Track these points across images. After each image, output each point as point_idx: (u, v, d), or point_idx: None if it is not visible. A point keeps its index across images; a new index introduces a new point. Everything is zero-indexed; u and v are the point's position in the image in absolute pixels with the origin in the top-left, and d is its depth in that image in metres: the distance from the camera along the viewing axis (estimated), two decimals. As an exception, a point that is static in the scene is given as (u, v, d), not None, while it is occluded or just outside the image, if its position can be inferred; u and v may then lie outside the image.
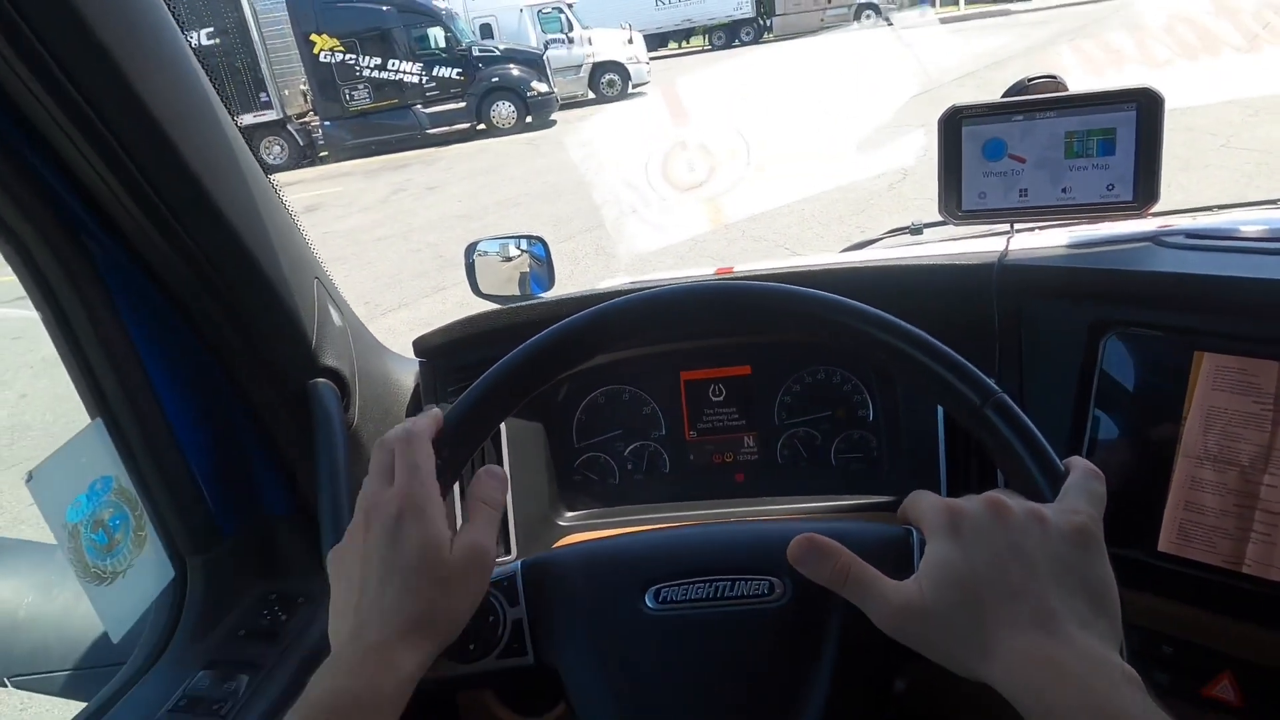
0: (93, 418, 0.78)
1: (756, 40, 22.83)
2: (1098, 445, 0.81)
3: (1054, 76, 1.00)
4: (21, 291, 0.74)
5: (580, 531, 1.01)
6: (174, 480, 0.82)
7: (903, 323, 0.59)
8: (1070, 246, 0.90)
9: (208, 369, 0.84)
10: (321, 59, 13.14)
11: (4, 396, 5.02)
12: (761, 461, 1.04)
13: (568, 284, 1.39)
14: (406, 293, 5.98)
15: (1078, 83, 0.97)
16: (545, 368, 0.62)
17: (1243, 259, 0.80)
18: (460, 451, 0.63)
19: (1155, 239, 0.87)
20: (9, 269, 0.74)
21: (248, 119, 12.39)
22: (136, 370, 0.78)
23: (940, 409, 0.91)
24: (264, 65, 13.01)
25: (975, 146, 0.97)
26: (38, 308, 0.75)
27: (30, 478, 0.69)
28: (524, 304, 1.02)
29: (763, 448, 1.04)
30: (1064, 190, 0.94)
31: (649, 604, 0.59)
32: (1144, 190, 0.90)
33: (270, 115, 13.11)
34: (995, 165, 0.96)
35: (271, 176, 0.83)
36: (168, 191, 0.70)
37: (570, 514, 1.04)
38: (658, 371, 1.05)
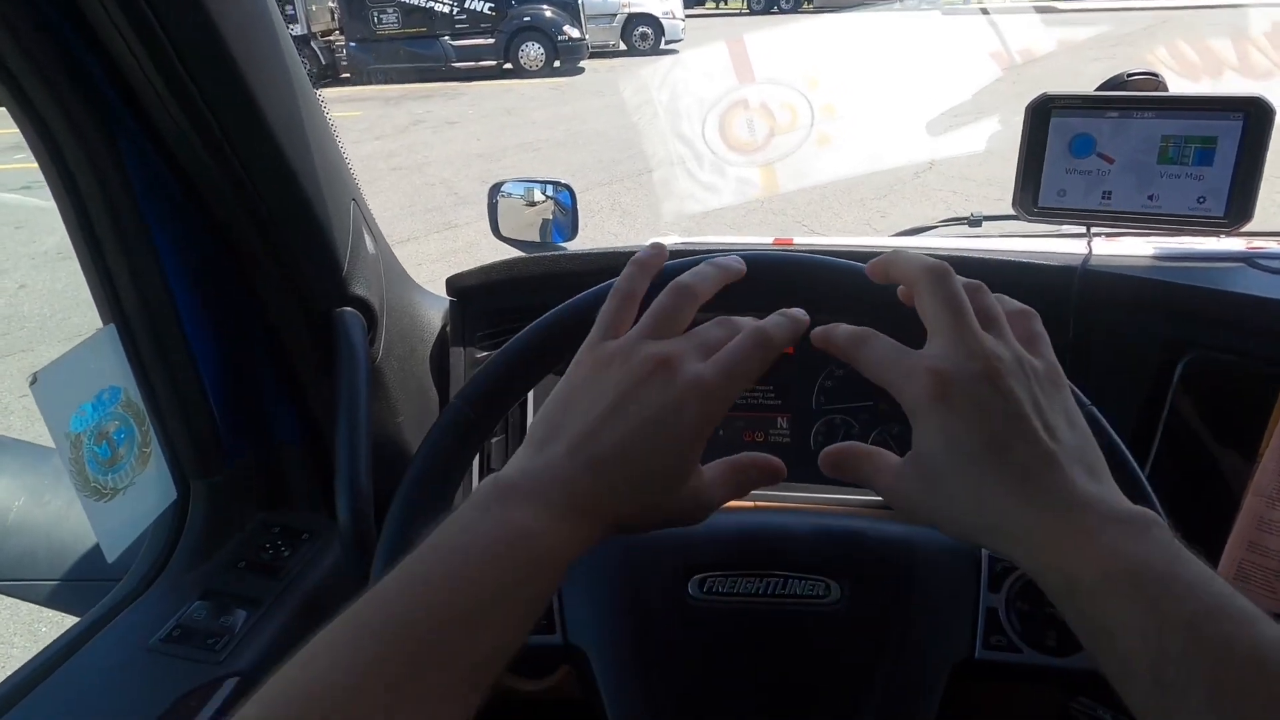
0: (105, 323, 0.73)
1: (796, 9, 22.36)
2: (1161, 469, 0.77)
3: (1155, 74, 0.94)
4: (28, 180, 0.69)
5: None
6: (185, 397, 0.77)
7: None
8: (1155, 259, 0.85)
9: (231, 285, 0.78)
10: (352, -24, 12.84)
11: (3, 284, 4.96)
12: (793, 445, 1.00)
13: (581, 238, 1.33)
14: (416, 226, 5.89)
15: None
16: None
17: None
18: (496, 404, 0.58)
19: (1248, 260, 0.82)
20: (18, 156, 0.68)
21: (271, 30, 12.11)
22: (156, 279, 0.72)
23: None
24: (294, -24, 12.72)
25: (1062, 140, 0.91)
26: (57, 199, 0.69)
27: (34, 380, 0.64)
28: (567, 254, 0.97)
29: (796, 431, 1.00)
30: (1150, 198, 0.89)
31: (692, 592, 0.56)
32: (1237, 207, 0.85)
33: (295, 30, 12.80)
34: (1081, 162, 0.91)
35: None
36: (211, 90, 0.64)
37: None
38: None
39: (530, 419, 0.94)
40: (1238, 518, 0.73)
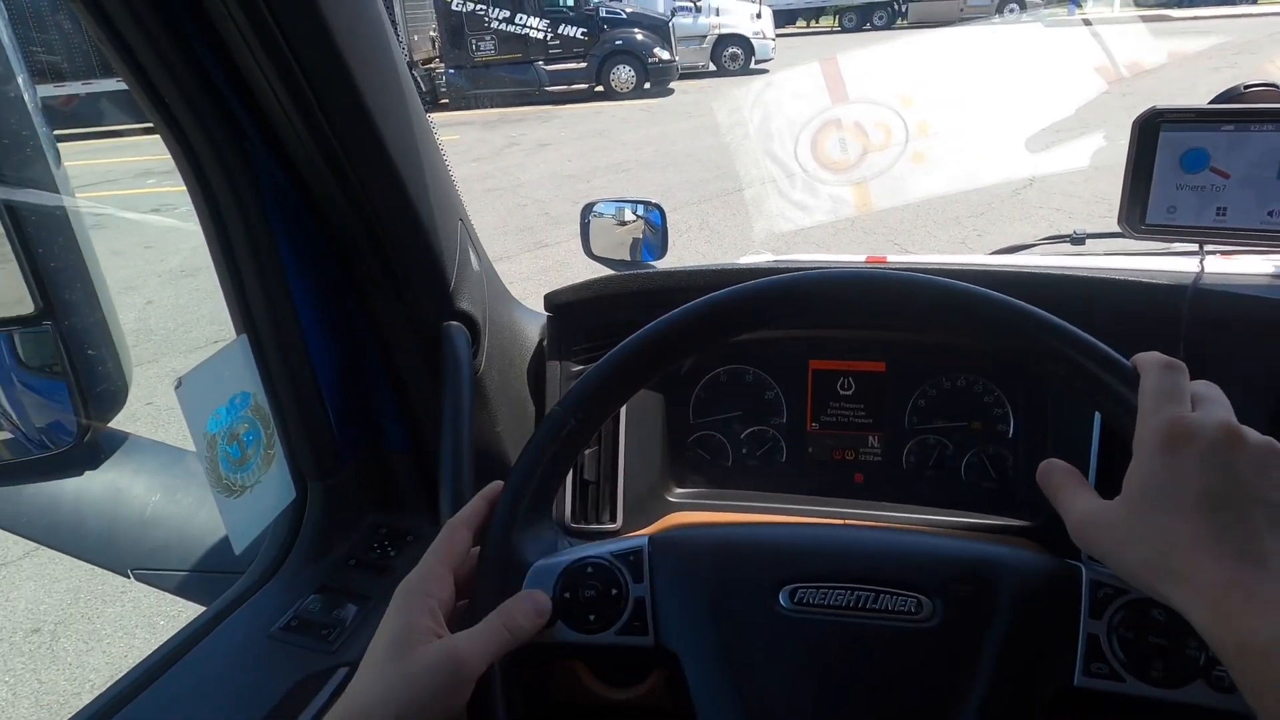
0: (238, 333, 0.79)
1: (889, 26, 22.02)
2: None
3: (1274, 85, 0.90)
4: (157, 203, 0.76)
5: (688, 510, 0.98)
6: (305, 404, 0.83)
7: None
8: (1274, 277, 0.81)
9: (348, 300, 0.84)
10: (453, 7, 13.37)
11: (132, 300, 5.35)
12: (884, 464, 0.99)
13: (669, 257, 1.36)
14: (509, 245, 6.07)
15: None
16: (731, 324, 0.60)
17: None
18: (595, 414, 0.61)
19: (1380, 279, 0.78)
20: (149, 181, 0.75)
21: (377, 60, 12.73)
22: (283, 293, 0.79)
23: (1095, 436, 0.84)
24: (397, 8, 13.32)
25: (1172, 155, 0.88)
26: (200, 217, 0.76)
27: (179, 384, 0.71)
28: (663, 271, 0.99)
29: (887, 450, 0.99)
30: (1270, 214, 0.85)
31: (783, 602, 0.56)
32: (1366, 223, 0.80)
33: (398, 58, 13.42)
34: (1192, 178, 0.87)
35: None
36: (337, 117, 0.70)
37: (679, 490, 1.02)
38: (785, 356, 1.01)
39: (622, 431, 0.96)
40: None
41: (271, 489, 0.82)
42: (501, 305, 0.98)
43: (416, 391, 0.89)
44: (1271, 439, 0.48)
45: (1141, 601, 0.52)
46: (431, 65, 14.49)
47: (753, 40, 15.54)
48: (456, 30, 13.55)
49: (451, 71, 13.90)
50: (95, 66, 10.85)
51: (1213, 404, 0.51)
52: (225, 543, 0.86)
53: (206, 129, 0.70)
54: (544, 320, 1.03)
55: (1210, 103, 0.88)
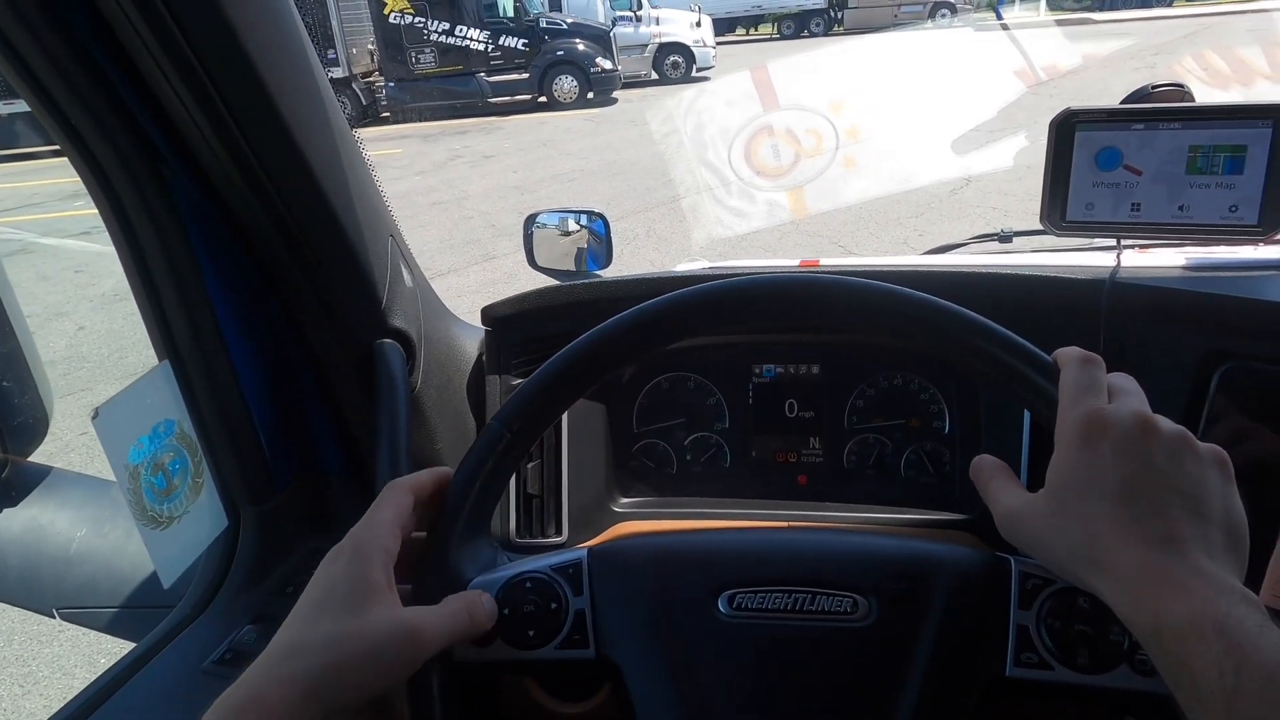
0: (160, 359, 0.77)
1: (826, 32, 22.44)
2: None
3: (1180, 85, 0.94)
4: (87, 226, 0.73)
5: (634, 520, 0.98)
6: (235, 429, 0.81)
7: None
8: (1187, 269, 0.84)
9: (276, 320, 0.82)
10: (391, 20, 13.23)
11: (63, 327, 5.16)
12: (826, 465, 1.00)
13: (616, 265, 1.36)
14: (456, 259, 6.01)
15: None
16: (654, 336, 0.60)
17: None
18: (532, 426, 0.60)
19: (1283, 268, 0.81)
20: (78, 203, 0.72)
21: (314, 75, 12.53)
22: (207, 315, 0.76)
23: (1026, 429, 0.86)
24: (334, 22, 13.13)
25: (1088, 154, 0.91)
26: (115, 241, 0.74)
27: (96, 414, 0.68)
28: (600, 281, 0.99)
29: (828, 451, 1.00)
30: (1181, 208, 0.88)
31: (722, 609, 0.56)
32: (1270, 215, 0.84)
33: (337, 72, 13.22)
34: (1107, 175, 0.90)
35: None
36: (254, 132, 0.68)
37: (625, 500, 1.01)
38: (726, 362, 1.01)
39: (565, 443, 0.95)
40: (1281, 531, 0.71)
41: (201, 518, 0.80)
42: (438, 321, 0.96)
43: (352, 412, 0.87)
44: (1184, 428, 0.49)
45: (1068, 591, 0.53)
46: (371, 78, 14.30)
47: (693, 49, 15.69)
48: (395, 43, 13.39)
49: (391, 84, 13.73)
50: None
51: (1128, 395, 0.52)
52: (157, 576, 0.83)
53: (117, 149, 0.68)
54: (483, 334, 1.02)
55: (1121, 103, 0.91)
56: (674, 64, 15.76)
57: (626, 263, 4.94)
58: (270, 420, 0.84)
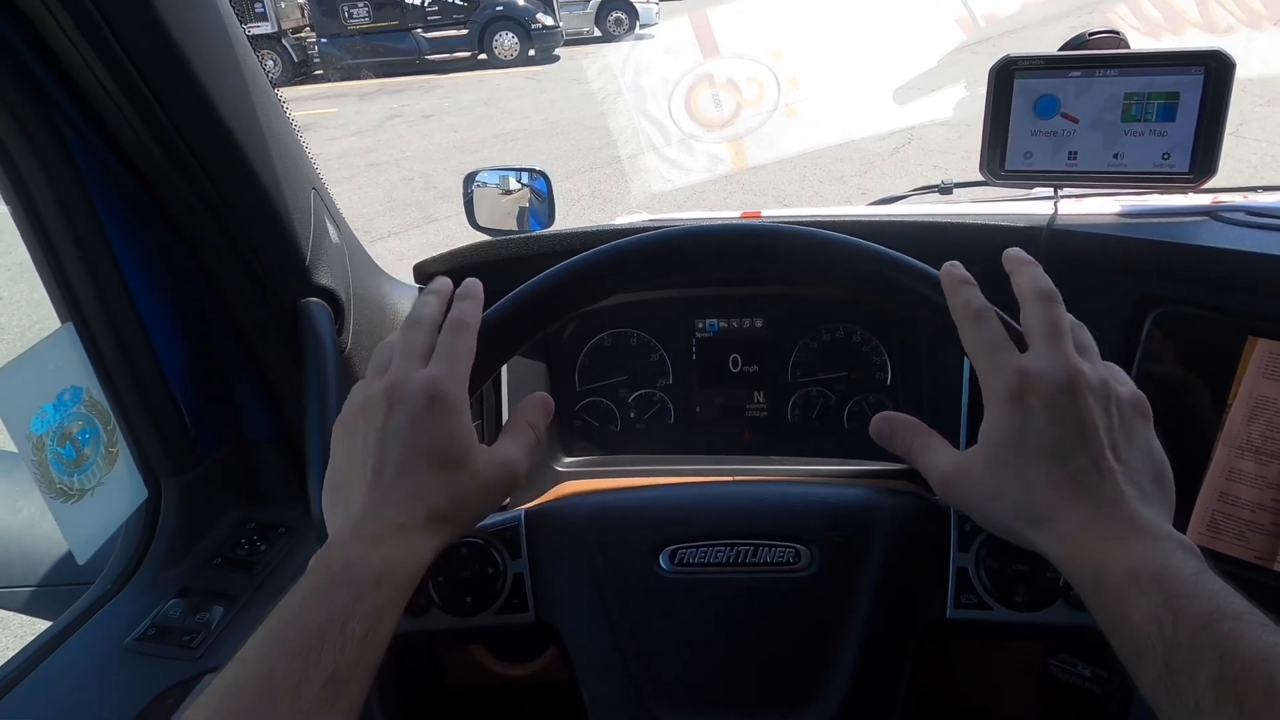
0: (63, 321, 0.71)
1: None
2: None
3: (1116, 32, 0.94)
4: None
5: (578, 479, 0.97)
6: (150, 395, 0.76)
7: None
8: (1121, 216, 0.85)
9: (191, 279, 0.77)
10: (320, -29, 12.67)
11: (-22, 298, 4.90)
12: (770, 419, 1.00)
13: (560, 226, 1.32)
14: (396, 222, 5.86)
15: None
16: (603, 283, 0.57)
17: None
18: (496, 355, 0.58)
19: (1213, 214, 0.82)
20: None
21: (241, 30, 12.00)
22: (113, 274, 0.71)
23: (965, 376, 0.86)
24: (260, -27, 12.53)
25: (1026, 102, 0.90)
26: (6, 199, 0.68)
27: (-9, 382, 0.63)
28: (534, 235, 0.96)
29: (773, 405, 1.00)
30: (1116, 156, 0.88)
31: (663, 565, 0.55)
32: (1202, 162, 0.85)
33: (265, 28, 12.64)
34: (1045, 124, 0.90)
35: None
36: (158, 83, 0.63)
37: (568, 459, 1.00)
38: (668, 317, 1.00)
39: (505, 400, 0.93)
40: (1209, 469, 0.73)
41: (117, 490, 0.76)
42: (368, 279, 0.92)
43: (278, 375, 0.83)
44: (1106, 376, 0.49)
45: None
46: (302, 34, 13.71)
47: (636, 4, 15.40)
48: (326, -3, 12.86)
49: (324, 41, 13.18)
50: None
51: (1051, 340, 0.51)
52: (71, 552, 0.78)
53: (3, 96, 0.62)
54: (416, 293, 0.98)
55: (1059, 50, 0.91)
56: (617, 20, 15.44)
57: (571, 224, 4.84)
58: (190, 386, 0.79)
